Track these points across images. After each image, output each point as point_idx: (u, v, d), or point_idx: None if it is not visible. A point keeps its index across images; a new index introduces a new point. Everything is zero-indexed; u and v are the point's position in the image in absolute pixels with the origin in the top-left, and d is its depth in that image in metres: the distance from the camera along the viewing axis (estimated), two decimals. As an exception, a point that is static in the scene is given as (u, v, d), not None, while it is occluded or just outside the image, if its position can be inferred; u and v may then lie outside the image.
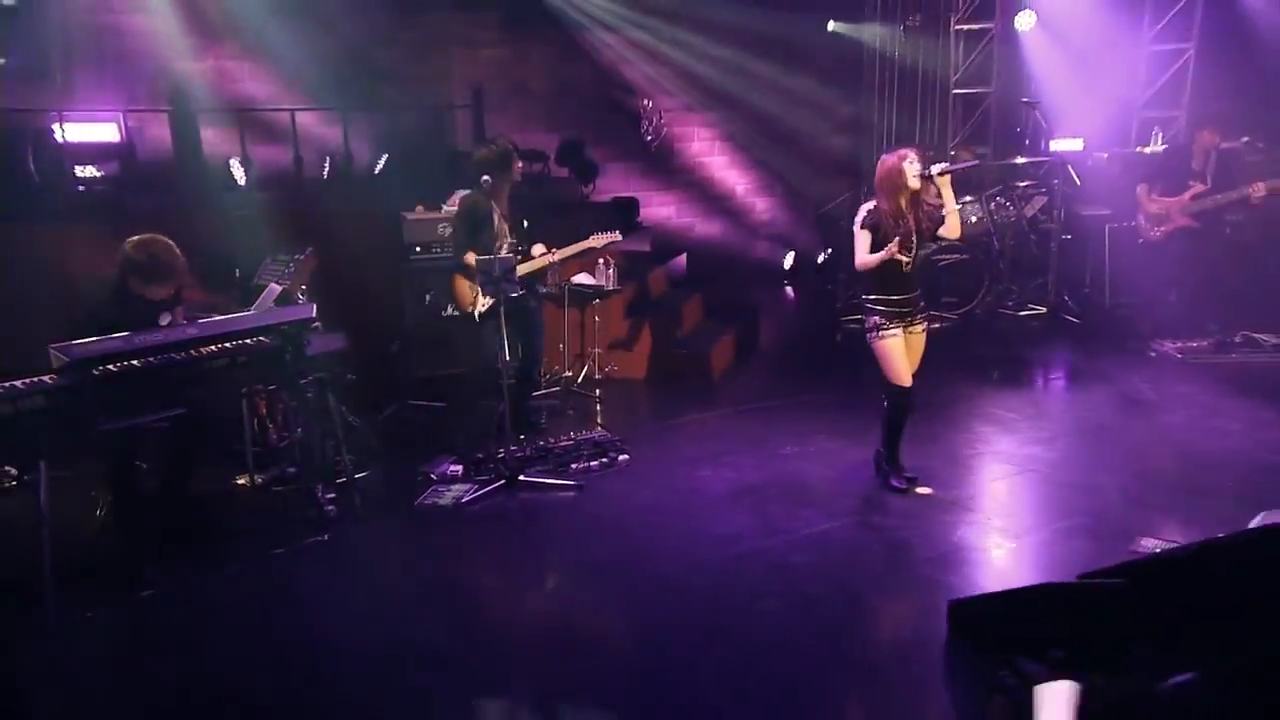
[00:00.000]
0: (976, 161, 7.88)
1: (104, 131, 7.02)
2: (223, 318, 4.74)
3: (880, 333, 5.33)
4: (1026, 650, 3.48)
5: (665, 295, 8.66)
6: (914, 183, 5.22)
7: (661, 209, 11.72)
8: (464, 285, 5.81)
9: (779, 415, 6.95)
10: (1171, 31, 10.77)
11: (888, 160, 5.31)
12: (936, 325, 9.25)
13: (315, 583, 4.64)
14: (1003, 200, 9.90)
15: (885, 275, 5.30)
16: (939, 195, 5.36)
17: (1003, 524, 5.06)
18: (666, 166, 11.72)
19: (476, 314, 5.72)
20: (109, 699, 3.77)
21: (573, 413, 7.06)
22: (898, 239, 5.12)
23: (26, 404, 4.05)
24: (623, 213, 9.70)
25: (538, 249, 5.98)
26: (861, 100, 12.66)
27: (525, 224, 6.03)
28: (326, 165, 8.21)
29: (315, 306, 5.02)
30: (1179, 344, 8.09)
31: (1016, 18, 11.22)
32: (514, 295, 5.59)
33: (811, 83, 12.43)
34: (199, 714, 3.67)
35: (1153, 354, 8.09)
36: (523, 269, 5.83)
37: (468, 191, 6.22)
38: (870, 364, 5.46)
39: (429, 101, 9.59)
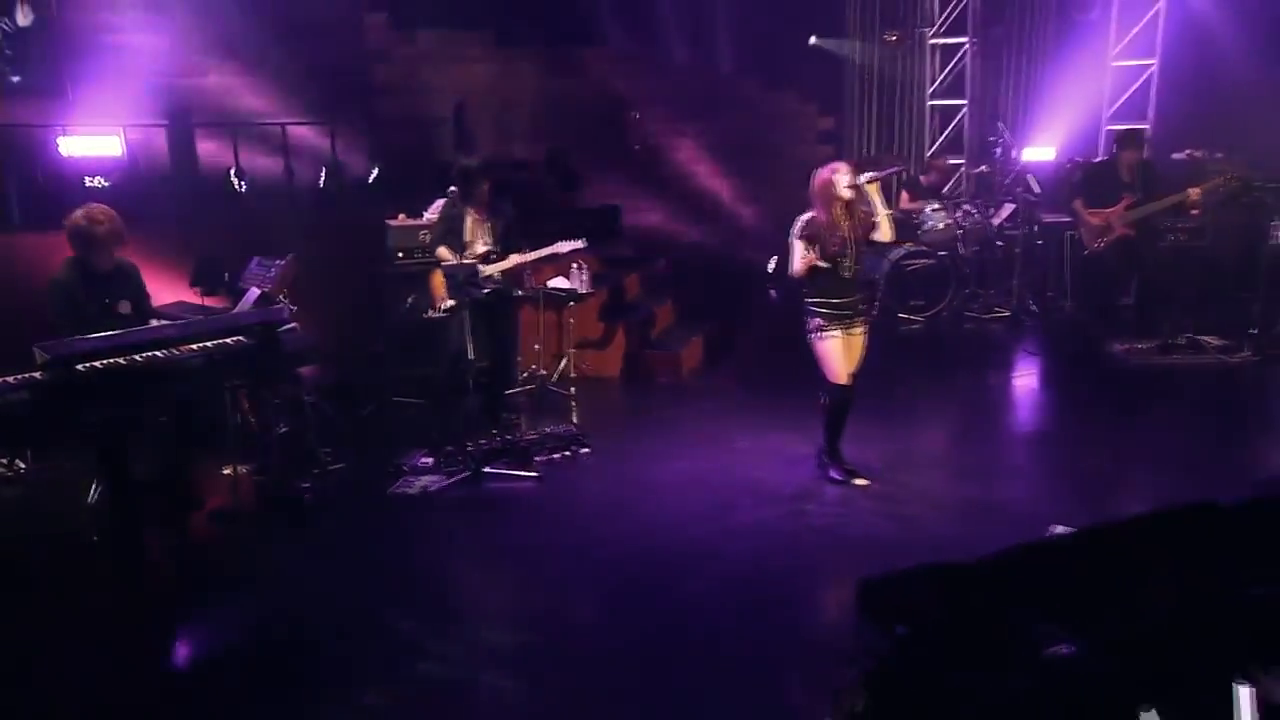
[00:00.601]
0: (900, 167, 7.98)
1: (107, 145, 7.31)
2: (199, 318, 5.02)
3: (821, 334, 5.56)
4: (910, 624, 3.71)
5: (640, 298, 8.90)
6: (845, 193, 5.44)
7: (650, 215, 11.95)
8: (439, 280, 6.09)
9: (739, 412, 7.20)
10: (1135, 48, 10.99)
11: (821, 174, 5.54)
12: (910, 327, 9.58)
13: (285, 559, 4.98)
14: (970, 208, 10.12)
15: (826, 280, 5.54)
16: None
17: (928, 514, 5.29)
18: (654, 175, 11.96)
19: (442, 308, 6.00)
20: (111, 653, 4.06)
21: (546, 409, 7.35)
22: (817, 249, 5.37)
23: (14, 397, 4.33)
24: (604, 219, 9.96)
25: (513, 258, 6.24)
26: (843, 111, 12.88)
27: (507, 231, 6.27)
28: (322, 176, 8.49)
29: (286, 308, 5.30)
30: (1126, 346, 8.28)
31: (987, 33, 11.47)
32: (479, 297, 5.86)
33: (794, 94, 12.69)
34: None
35: (1105, 356, 8.30)
36: (491, 269, 6.10)
37: (446, 199, 6.54)
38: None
39: (419, 115, 9.87)
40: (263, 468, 5.95)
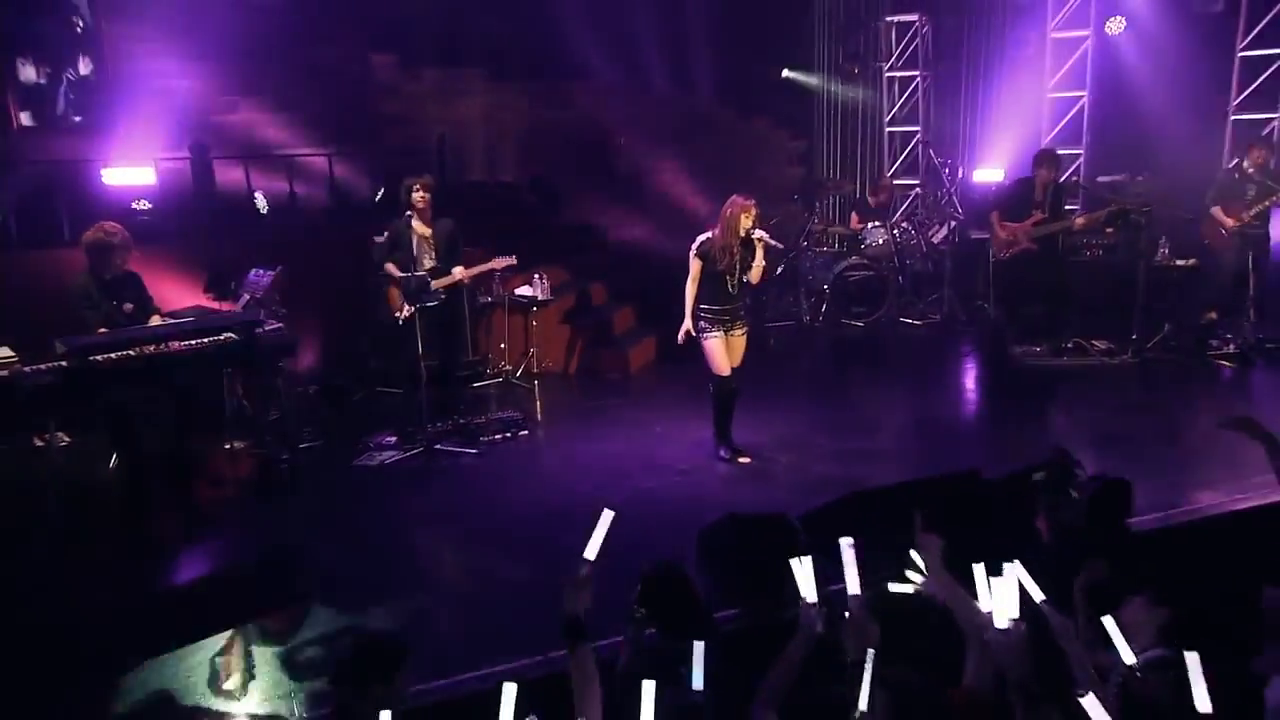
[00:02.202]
0: (782, 247, 8.31)
1: (143, 175, 8.36)
2: (190, 319, 6.00)
3: (705, 334, 6.38)
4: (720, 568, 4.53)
5: (603, 304, 9.74)
6: (744, 228, 6.23)
7: (634, 230, 12.78)
8: (394, 295, 6.99)
9: (669, 402, 7.96)
10: (1069, 81, 11.63)
11: (734, 203, 6.29)
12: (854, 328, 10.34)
13: (261, 513, 6.04)
14: (907, 226, 10.85)
15: (714, 291, 6.35)
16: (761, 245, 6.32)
17: (782, 486, 6.07)
18: (637, 195, 12.79)
19: (400, 319, 6.90)
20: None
21: (510, 399, 8.26)
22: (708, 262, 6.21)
23: (44, 380, 5.33)
24: (580, 234, 10.85)
25: (457, 270, 7.11)
26: (811, 136, 13.63)
27: (450, 246, 7.12)
28: (328, 198, 9.48)
29: (270, 311, 6.25)
30: (1024, 349, 8.95)
31: (940, 66, 12.16)
32: (429, 305, 6.77)
33: (768, 121, 13.46)
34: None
35: (1008, 357, 8.98)
36: (438, 283, 6.98)
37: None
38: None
39: (420, 143, 10.83)
40: (255, 444, 6.91)
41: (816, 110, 13.52)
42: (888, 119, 12.63)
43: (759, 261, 6.29)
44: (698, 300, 6.42)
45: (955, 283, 10.63)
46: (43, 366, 5.43)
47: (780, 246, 6.27)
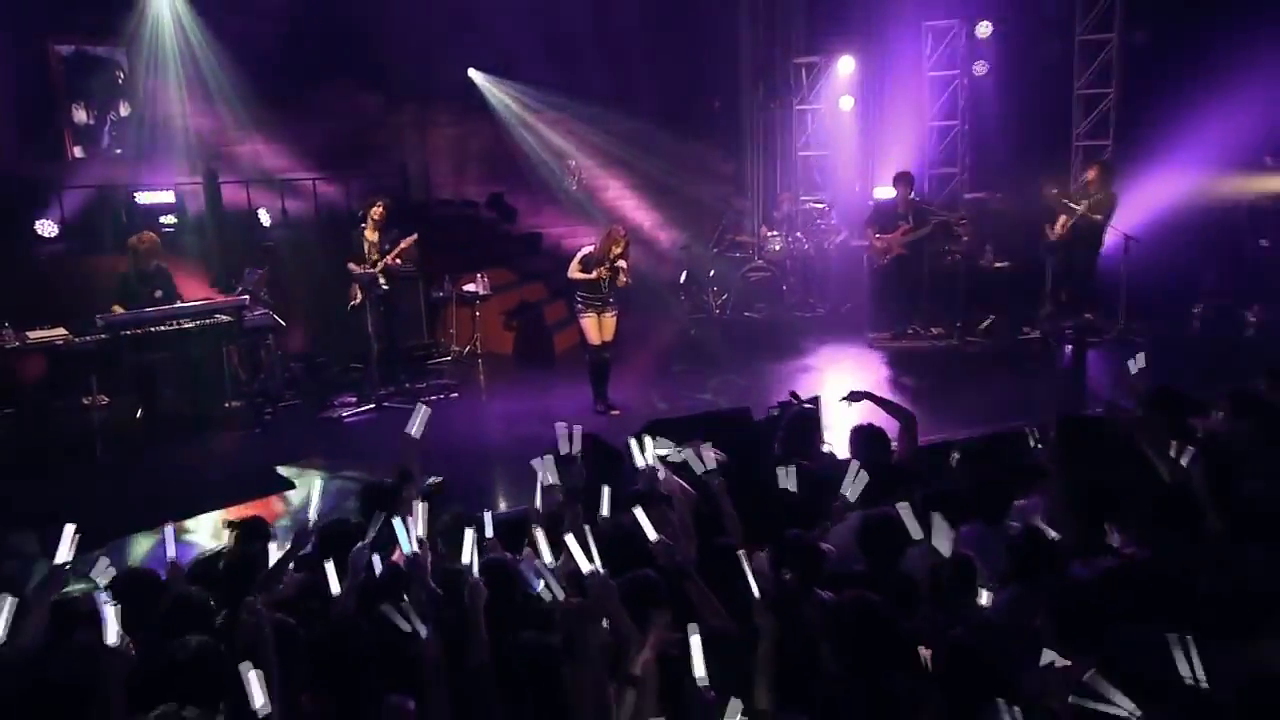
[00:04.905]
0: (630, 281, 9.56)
1: (167, 196, 10.26)
2: (193, 304, 7.88)
3: (582, 314, 8.20)
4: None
5: (539, 299, 11.53)
6: (613, 254, 8.04)
7: (584, 239, 14.53)
8: (354, 287, 8.81)
9: (579, 374, 9.69)
10: (944, 110, 13.29)
11: (614, 233, 8.18)
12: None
13: (248, 445, 7.85)
14: (800, 235, 12.62)
15: (589, 285, 8.16)
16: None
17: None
18: (587, 210, 14.56)
19: (351, 307, 8.74)
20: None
21: (457, 374, 10.08)
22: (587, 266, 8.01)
23: (88, 347, 7.20)
24: (527, 242, 12.70)
25: (387, 258, 8.89)
26: (740, 159, 15.36)
27: (398, 242, 8.89)
28: (315, 213, 11.34)
29: (254, 299, 8.11)
30: (874, 335, 10.66)
31: (840, 100, 13.84)
32: (376, 295, 8.60)
33: (703, 145, 15.19)
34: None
35: (867, 340, 10.69)
36: (378, 269, 8.76)
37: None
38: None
39: (401, 168, 12.69)
40: (246, 401, 8.76)
41: (744, 136, 15.24)
42: (800, 144, 14.32)
43: (620, 278, 8.08)
44: (578, 287, 8.22)
45: (839, 282, 12.36)
46: (87, 338, 7.33)
47: (628, 281, 8.11)
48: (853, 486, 4.25)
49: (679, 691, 2.79)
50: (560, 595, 3.14)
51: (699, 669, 2.61)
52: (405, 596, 3.30)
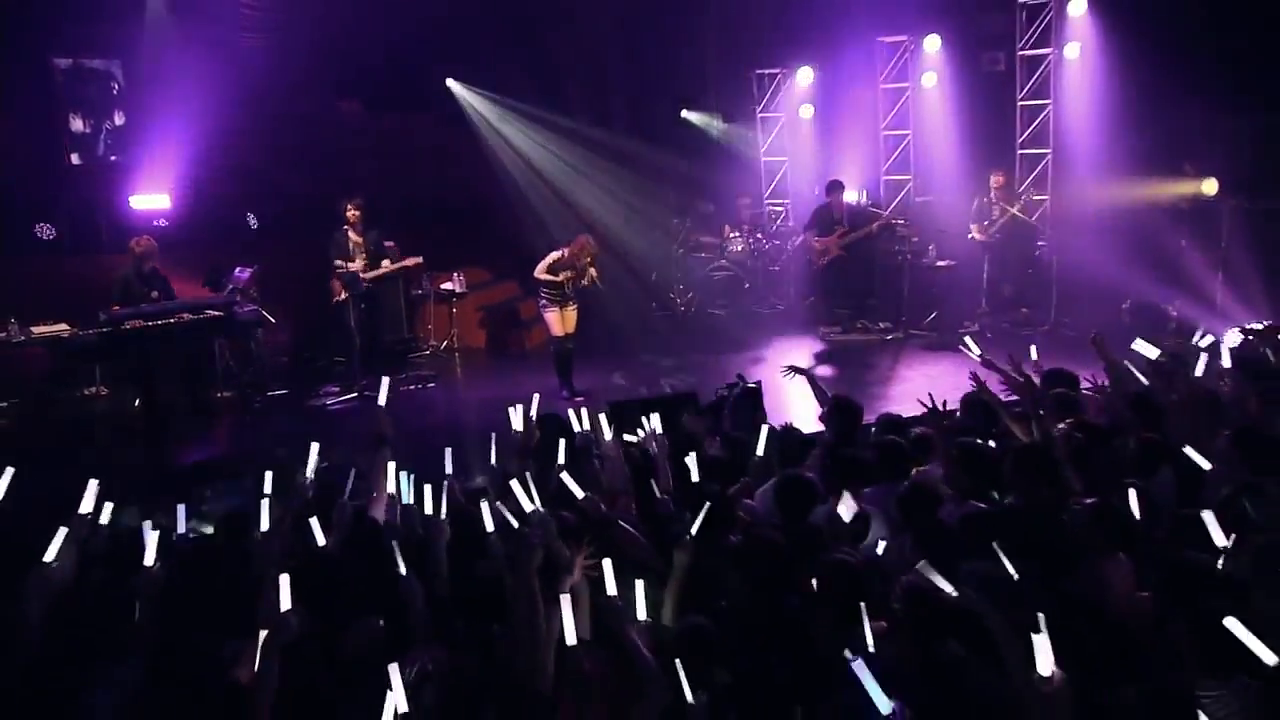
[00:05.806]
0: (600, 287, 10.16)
1: (160, 200, 10.77)
2: (186, 300, 8.41)
3: (546, 307, 8.80)
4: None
5: (513, 296, 12.10)
6: (582, 262, 8.67)
7: (556, 239, 15.13)
8: (336, 285, 9.35)
9: (548, 368, 10.30)
10: (897, 122, 13.94)
11: (585, 243, 8.87)
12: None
13: (240, 430, 8.38)
14: (760, 236, 13.25)
15: (555, 283, 8.75)
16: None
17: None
18: (562, 213, 15.12)
19: (334, 302, 9.28)
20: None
21: (437, 365, 10.63)
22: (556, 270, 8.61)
23: (91, 340, 7.72)
24: (507, 244, 13.25)
25: (385, 264, 9.46)
26: (705, 165, 15.95)
27: (377, 248, 9.44)
28: (300, 217, 11.84)
29: (245, 295, 8.65)
30: (826, 329, 11.30)
31: (800, 109, 14.48)
32: (359, 293, 9.15)
33: (670, 152, 15.79)
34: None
35: (819, 334, 11.32)
36: (370, 275, 9.32)
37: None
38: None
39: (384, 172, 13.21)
40: (237, 391, 9.28)
41: (710, 144, 15.85)
42: (762, 150, 14.95)
43: (585, 282, 8.69)
44: (543, 285, 8.83)
45: (798, 281, 12.99)
46: (90, 331, 7.85)
47: (599, 284, 8.78)
48: (762, 446, 4.90)
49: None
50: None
51: (611, 588, 3.21)
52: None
